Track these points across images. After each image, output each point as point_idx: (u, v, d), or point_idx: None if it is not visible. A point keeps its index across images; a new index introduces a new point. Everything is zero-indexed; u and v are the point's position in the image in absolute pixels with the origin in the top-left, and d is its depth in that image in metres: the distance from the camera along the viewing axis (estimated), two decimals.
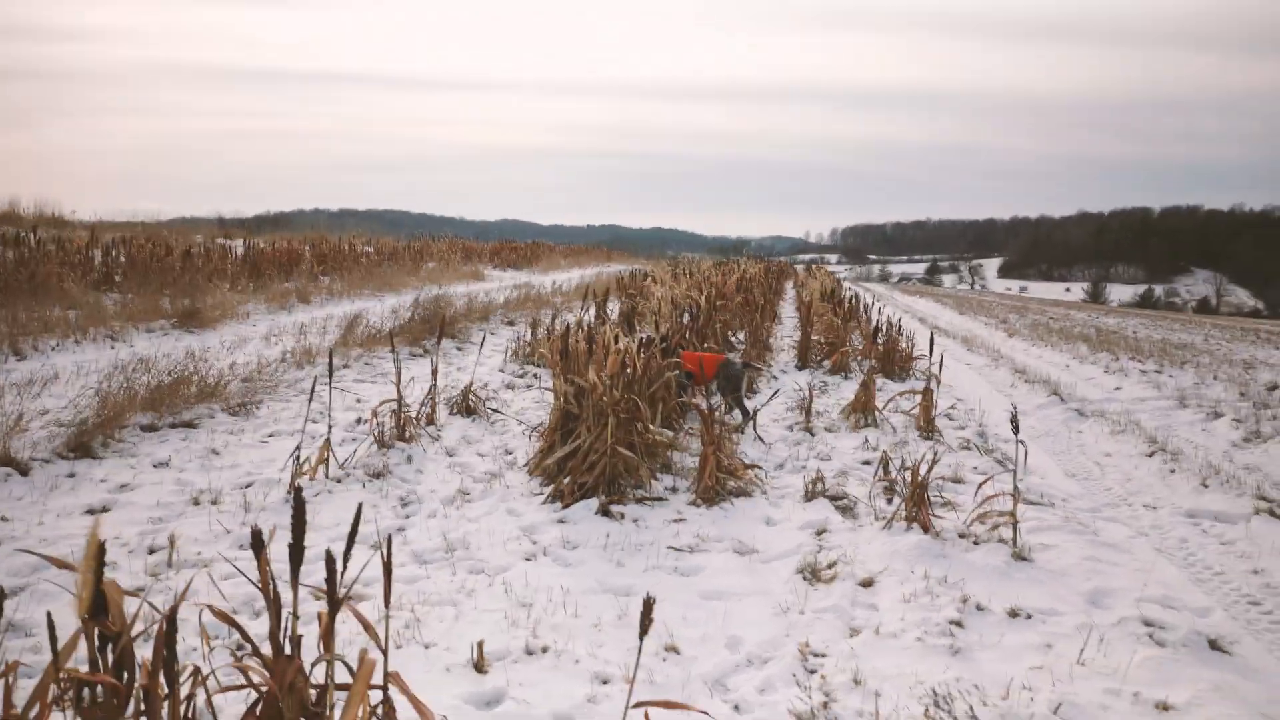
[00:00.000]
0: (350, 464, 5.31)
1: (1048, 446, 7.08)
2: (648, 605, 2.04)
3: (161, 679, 1.84)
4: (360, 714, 2.20)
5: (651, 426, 5.53)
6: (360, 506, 2.34)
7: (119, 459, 5.20)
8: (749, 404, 7.18)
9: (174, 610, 1.86)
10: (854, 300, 14.34)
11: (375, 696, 2.27)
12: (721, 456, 5.13)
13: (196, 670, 2.17)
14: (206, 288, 12.52)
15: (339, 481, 5.05)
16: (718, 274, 14.95)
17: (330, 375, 5.39)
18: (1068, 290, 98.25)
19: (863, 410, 7.21)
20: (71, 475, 4.87)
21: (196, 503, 4.56)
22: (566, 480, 4.85)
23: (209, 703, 2.23)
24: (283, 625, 2.12)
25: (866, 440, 6.50)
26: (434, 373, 6.56)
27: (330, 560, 2.08)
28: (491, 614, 3.45)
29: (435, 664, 3.05)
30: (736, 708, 2.90)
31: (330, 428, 5.36)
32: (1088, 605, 3.77)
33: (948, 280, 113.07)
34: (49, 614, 1.96)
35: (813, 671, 3.12)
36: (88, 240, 13.44)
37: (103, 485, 4.76)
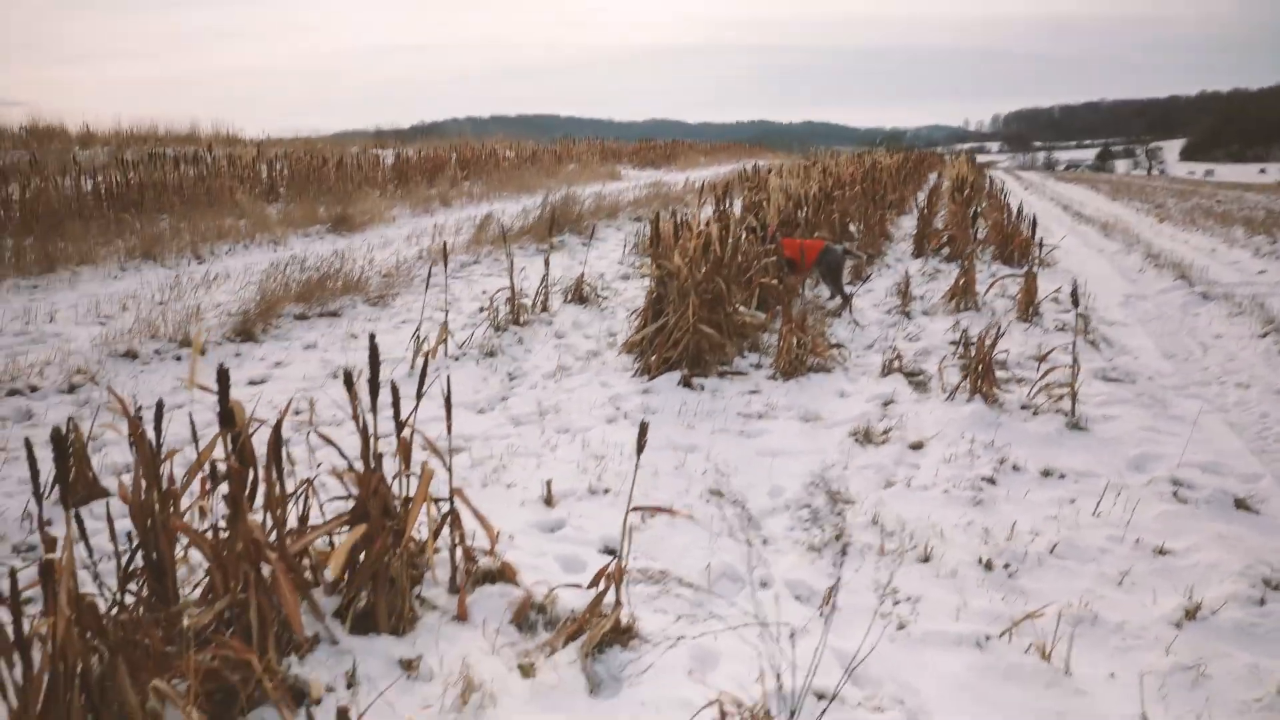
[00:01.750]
0: (468, 345, 5.95)
1: (1156, 329, 6.99)
2: (643, 429, 2.50)
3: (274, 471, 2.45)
4: (429, 517, 2.79)
5: (741, 308, 5.90)
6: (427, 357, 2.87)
7: (275, 342, 6.04)
8: (850, 289, 7.41)
9: (280, 420, 2.46)
10: (988, 188, 13.97)
11: (445, 509, 2.85)
12: (801, 335, 5.46)
13: (307, 480, 2.80)
14: (358, 195, 13.52)
15: (456, 360, 5.71)
16: (848, 166, 14.80)
17: (445, 269, 6.01)
18: (1262, 171, 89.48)
19: (963, 295, 7.30)
20: (238, 355, 5.72)
21: (335, 376, 5.31)
22: (654, 356, 5.32)
23: (320, 508, 2.86)
24: (370, 447, 2.70)
25: (958, 323, 6.63)
26: (546, 263, 7.12)
27: (395, 391, 2.64)
28: (567, 464, 4.00)
29: (513, 499, 3.63)
30: (765, 541, 3.34)
31: (446, 313, 6.02)
32: (1127, 469, 3.97)
33: (1121, 166, 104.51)
34: (190, 417, 2.62)
35: (838, 514, 3.51)
36: (255, 156, 14.66)
37: (262, 363, 5.59)
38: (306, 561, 2.75)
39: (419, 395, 2.84)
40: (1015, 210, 10.55)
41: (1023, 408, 4.71)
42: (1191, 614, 2.78)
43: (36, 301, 7.03)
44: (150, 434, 2.35)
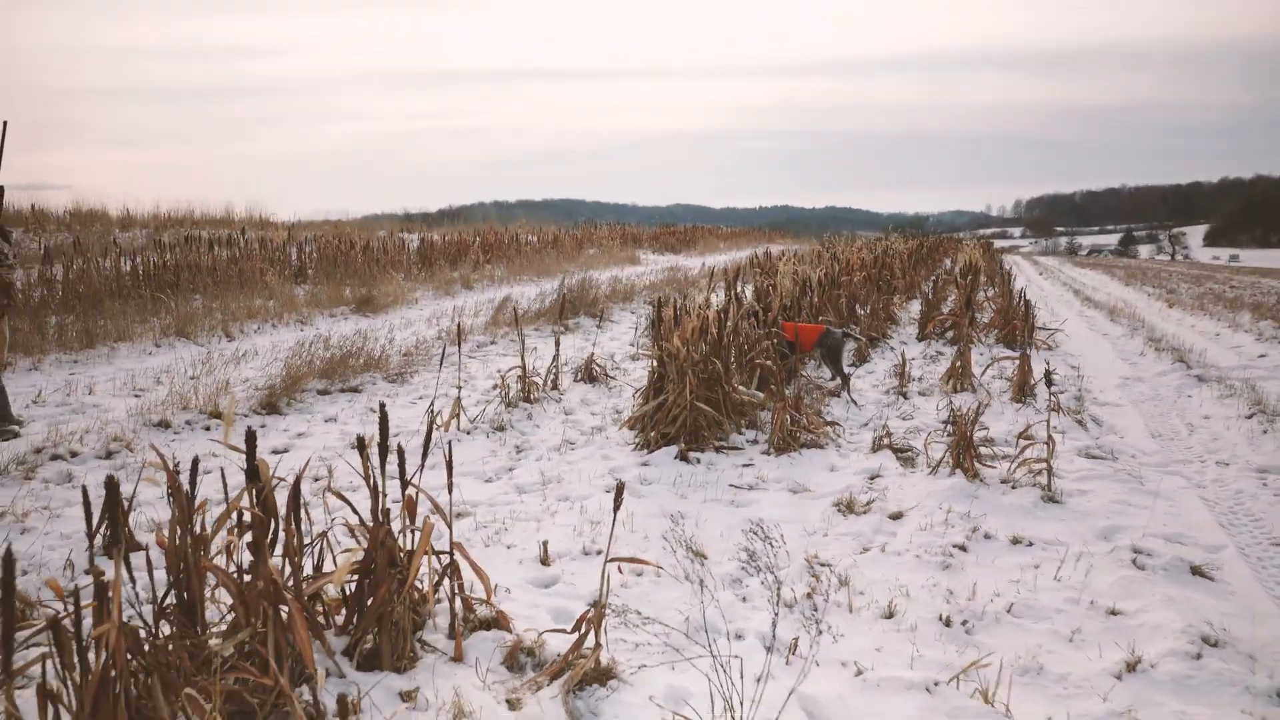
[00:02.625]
0: (480, 420, 6.29)
1: (1148, 410, 7.22)
2: (619, 489, 2.80)
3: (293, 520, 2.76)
4: (429, 569, 3.08)
5: (740, 387, 6.22)
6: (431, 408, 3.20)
7: (298, 415, 6.41)
8: (850, 370, 7.73)
9: (299, 477, 2.78)
10: (1000, 273, 14.34)
11: (446, 561, 3.14)
12: (794, 413, 5.76)
13: (323, 533, 3.11)
14: (382, 277, 14.08)
15: (468, 433, 6.04)
16: (857, 252, 15.26)
17: (460, 349, 6.38)
18: None
19: (959, 376, 7.59)
20: (263, 426, 6.09)
21: (352, 447, 5.64)
22: (653, 432, 5.63)
23: (334, 559, 3.16)
24: (379, 504, 3.01)
25: (951, 403, 6.91)
26: (556, 344, 7.50)
27: (401, 455, 2.96)
28: (565, 528, 4.29)
29: (513, 558, 3.91)
30: (744, 599, 3.60)
31: (459, 390, 6.37)
32: (1095, 538, 4.20)
33: (1145, 251, 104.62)
34: (222, 474, 2.95)
35: (814, 576, 3.76)
36: (285, 239, 15.34)
37: (285, 434, 5.95)
38: (320, 606, 3.04)
39: (423, 460, 3.17)
40: (1017, 295, 10.88)
41: (1002, 482, 4.96)
42: (1132, 667, 3.00)
43: (77, 375, 7.47)
44: (185, 486, 2.68)
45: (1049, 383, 5.01)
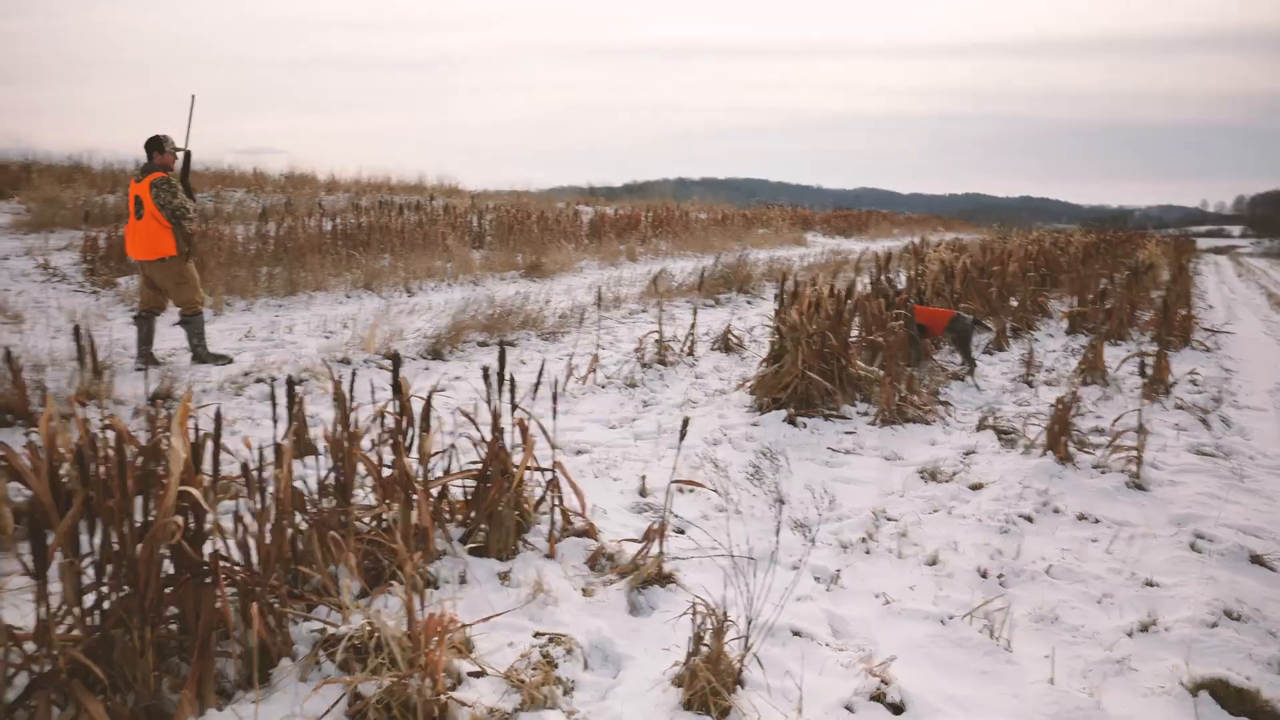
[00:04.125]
0: (616, 376, 6.95)
1: None
2: (684, 422, 3.34)
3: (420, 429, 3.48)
4: (535, 484, 3.73)
5: (859, 362, 6.59)
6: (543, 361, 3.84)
7: (458, 361, 7.28)
8: (980, 356, 7.90)
9: (429, 397, 3.49)
10: (1182, 270, 13.76)
11: (549, 477, 3.79)
12: (901, 388, 6.09)
13: (452, 445, 3.82)
14: (553, 246, 15.05)
15: (602, 387, 6.71)
16: (1025, 244, 14.99)
17: (598, 315, 7.05)
18: None
19: (1090, 369, 7.60)
20: (426, 369, 6.98)
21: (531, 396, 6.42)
22: (766, 397, 6.11)
23: (459, 463, 3.87)
24: (496, 424, 3.69)
25: (1075, 394, 6.98)
26: (694, 314, 8.07)
27: (513, 382, 3.63)
28: (667, 468, 4.86)
29: (616, 489, 4.53)
30: (812, 541, 4.07)
31: (597, 348, 7.05)
32: (1165, 523, 4.37)
33: None
34: (372, 384, 3.71)
35: (877, 527, 4.18)
36: (468, 207, 16.60)
37: (444, 376, 6.81)
38: (445, 504, 3.76)
39: (555, 404, 3.82)
40: (1184, 295, 10.53)
41: (1094, 467, 5.14)
42: (1145, 627, 3.28)
43: (280, 317, 8.69)
44: (346, 393, 3.43)
45: (1142, 373, 5.11)
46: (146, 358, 6.54)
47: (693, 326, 7.96)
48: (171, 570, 2.55)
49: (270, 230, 12.30)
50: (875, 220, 29.66)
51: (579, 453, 5.17)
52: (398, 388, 3.48)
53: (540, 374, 4.32)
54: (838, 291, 6.58)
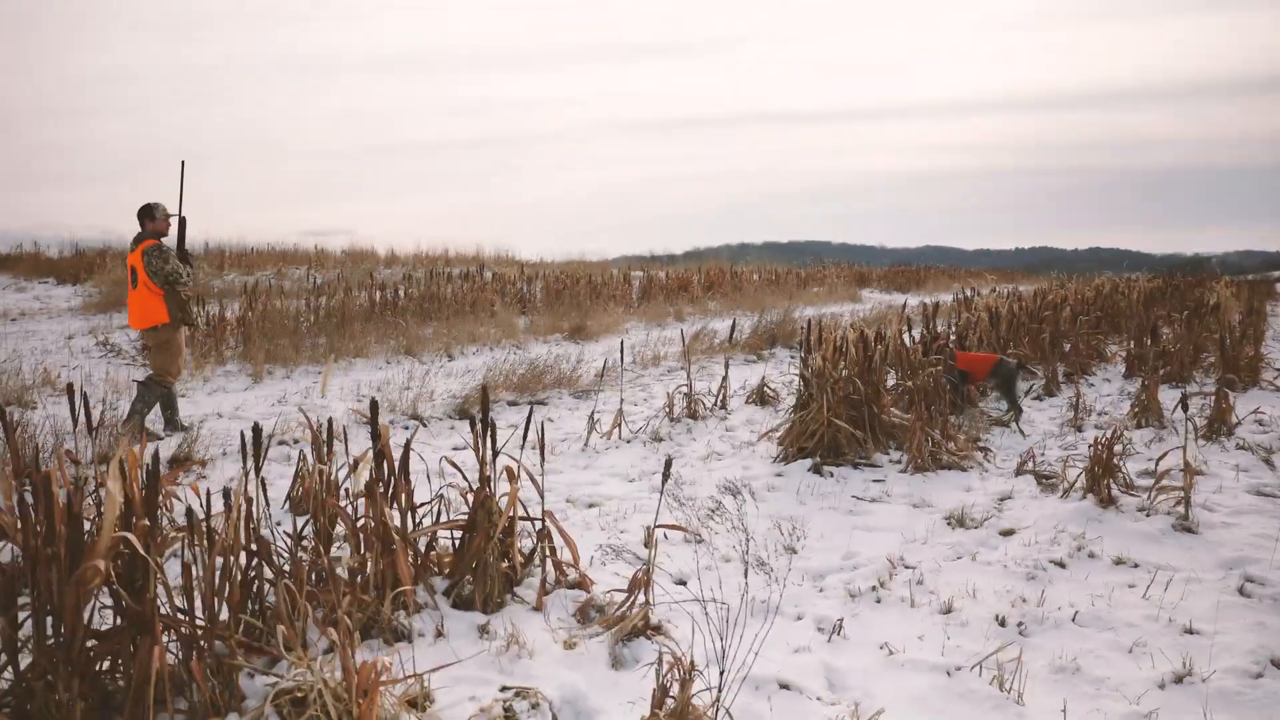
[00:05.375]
0: (643, 431, 6.81)
1: None
2: (667, 463, 3.18)
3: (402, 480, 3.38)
4: (526, 537, 3.59)
5: (893, 410, 6.35)
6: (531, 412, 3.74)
7: None
8: (1026, 402, 7.56)
9: (408, 444, 3.40)
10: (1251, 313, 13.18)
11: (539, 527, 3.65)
12: (933, 434, 5.82)
13: (439, 495, 3.72)
14: (601, 310, 15.08)
15: (628, 442, 6.58)
16: (1077, 290, 14.58)
17: (637, 374, 6.95)
18: None
19: (1144, 411, 7.21)
20: (452, 428, 6.94)
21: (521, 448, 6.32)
22: (792, 446, 5.89)
23: (448, 513, 3.76)
24: (483, 472, 3.57)
25: (1116, 433, 6.61)
26: (725, 367, 7.91)
27: (493, 428, 3.52)
28: (678, 521, 4.68)
29: (624, 537, 4.36)
30: (821, 590, 3.83)
31: (621, 403, 6.93)
32: (1214, 567, 4.02)
33: None
34: (345, 436, 3.63)
35: (891, 575, 3.92)
36: (518, 274, 16.79)
37: (468, 435, 6.74)
38: (433, 555, 3.64)
39: (525, 435, 3.71)
40: (1258, 335, 10.02)
41: (1139, 510, 4.80)
42: (1180, 679, 2.97)
43: (319, 382, 8.76)
44: (324, 440, 3.37)
45: (1184, 407, 4.78)
46: (173, 424, 6.60)
47: (724, 379, 7.81)
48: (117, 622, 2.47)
49: (320, 303, 12.56)
50: (933, 275, 29.20)
51: (590, 505, 5.03)
52: (376, 436, 3.40)
53: (536, 432, 4.21)
54: (867, 336, 6.38)
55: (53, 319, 14.01)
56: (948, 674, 2.99)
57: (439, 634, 3.20)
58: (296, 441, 6.17)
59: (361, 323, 11.64)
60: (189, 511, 2.58)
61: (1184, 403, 4.85)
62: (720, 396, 7.73)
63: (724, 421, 7.35)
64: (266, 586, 3.05)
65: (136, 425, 6.00)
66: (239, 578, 2.71)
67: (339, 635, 2.34)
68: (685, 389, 7.41)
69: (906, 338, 8.13)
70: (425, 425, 6.97)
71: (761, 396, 8.13)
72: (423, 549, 3.62)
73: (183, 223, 6.55)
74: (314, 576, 3.19)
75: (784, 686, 2.88)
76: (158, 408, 6.71)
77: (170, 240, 6.52)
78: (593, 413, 6.47)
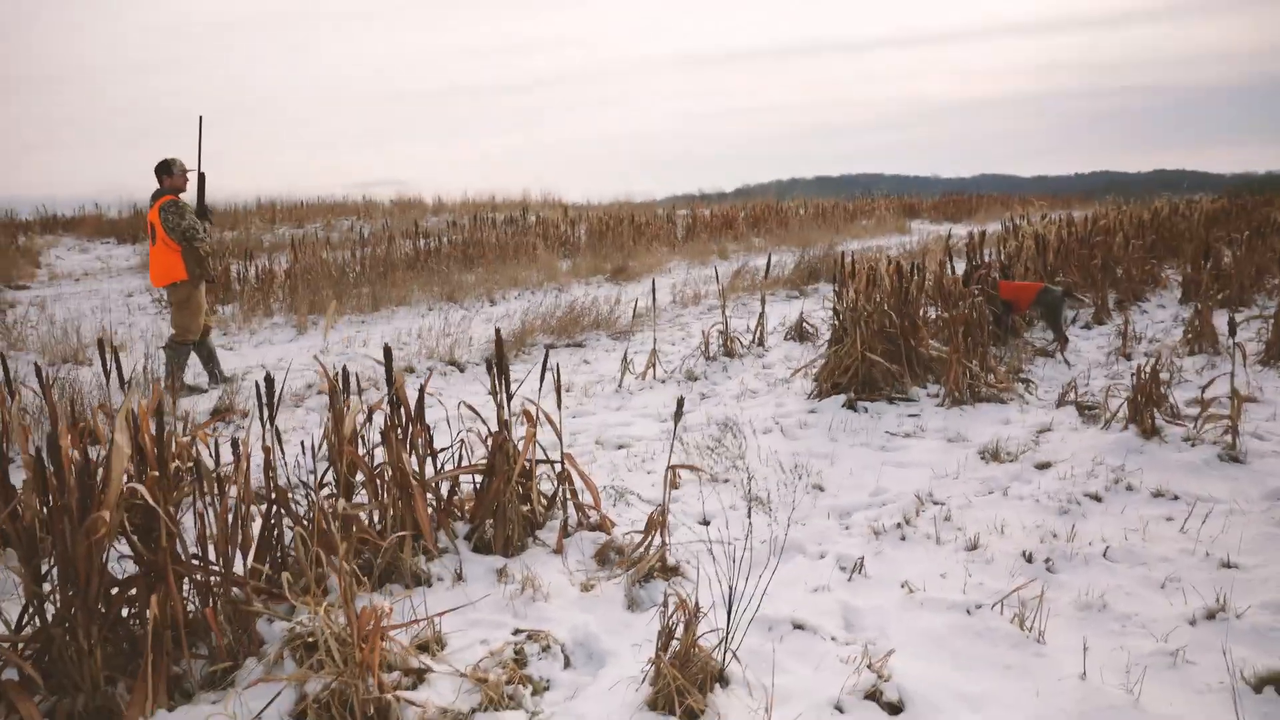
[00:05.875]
0: (678, 371, 6.77)
1: None
2: (679, 403, 3.14)
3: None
4: (546, 477, 3.60)
5: (932, 342, 6.21)
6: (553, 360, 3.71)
7: (521, 364, 7.24)
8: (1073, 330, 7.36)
9: (422, 390, 3.41)
10: None
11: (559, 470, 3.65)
12: (970, 366, 5.68)
13: (461, 439, 3.73)
14: (645, 249, 14.96)
15: (662, 382, 6.55)
16: (1133, 214, 14.05)
17: (675, 313, 6.88)
18: None
19: (1198, 337, 6.94)
20: (488, 372, 6.95)
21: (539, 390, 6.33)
22: (826, 382, 5.81)
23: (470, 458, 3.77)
24: (501, 416, 3.57)
25: (1160, 359, 6.38)
26: (762, 302, 7.81)
27: (507, 373, 3.50)
28: (704, 460, 4.65)
29: (648, 481, 4.35)
30: (847, 528, 3.79)
31: (655, 343, 6.89)
32: (1259, 498, 3.86)
33: None
34: (421, 389, 3.65)
35: (918, 512, 3.85)
36: (562, 217, 16.71)
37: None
38: (455, 500, 3.67)
39: (542, 379, 3.70)
40: None
41: (1184, 439, 4.63)
42: (1212, 615, 2.88)
43: (361, 331, 8.87)
44: (340, 390, 3.39)
45: (1231, 332, 4.57)
46: (215, 376, 6.70)
47: (761, 315, 7.70)
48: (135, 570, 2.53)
49: (365, 253, 12.65)
50: (985, 204, 28.34)
51: (620, 447, 5.02)
52: (390, 382, 3.41)
53: (566, 374, 4.18)
54: (902, 267, 6.22)
55: (114, 278, 14.35)
56: (967, 612, 2.93)
57: (458, 578, 3.23)
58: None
59: (405, 270, 11.71)
60: (197, 462, 2.61)
61: (1232, 326, 4.64)
62: (758, 333, 7.63)
63: (761, 359, 7.27)
64: (289, 535, 3.10)
65: (175, 382, 6.10)
66: (249, 526, 2.75)
67: (339, 581, 2.37)
68: (720, 327, 7.33)
69: (949, 268, 7.93)
70: (462, 370, 7.01)
71: (800, 332, 8.02)
72: (445, 494, 3.66)
73: (201, 178, 6.52)
74: (337, 523, 3.23)
75: (798, 626, 2.85)
76: (198, 362, 6.83)
77: (190, 196, 6.53)
78: (625, 353, 6.43)
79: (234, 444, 2.78)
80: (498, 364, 3.59)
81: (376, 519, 3.31)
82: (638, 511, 3.90)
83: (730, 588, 2.53)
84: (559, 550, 3.48)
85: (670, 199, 29.85)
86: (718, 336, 7.30)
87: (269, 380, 3.15)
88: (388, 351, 3.48)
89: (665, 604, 2.51)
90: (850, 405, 5.55)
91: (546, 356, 4.02)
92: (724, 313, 7.30)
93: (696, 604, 2.45)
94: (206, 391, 6.49)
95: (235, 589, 2.70)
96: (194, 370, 6.98)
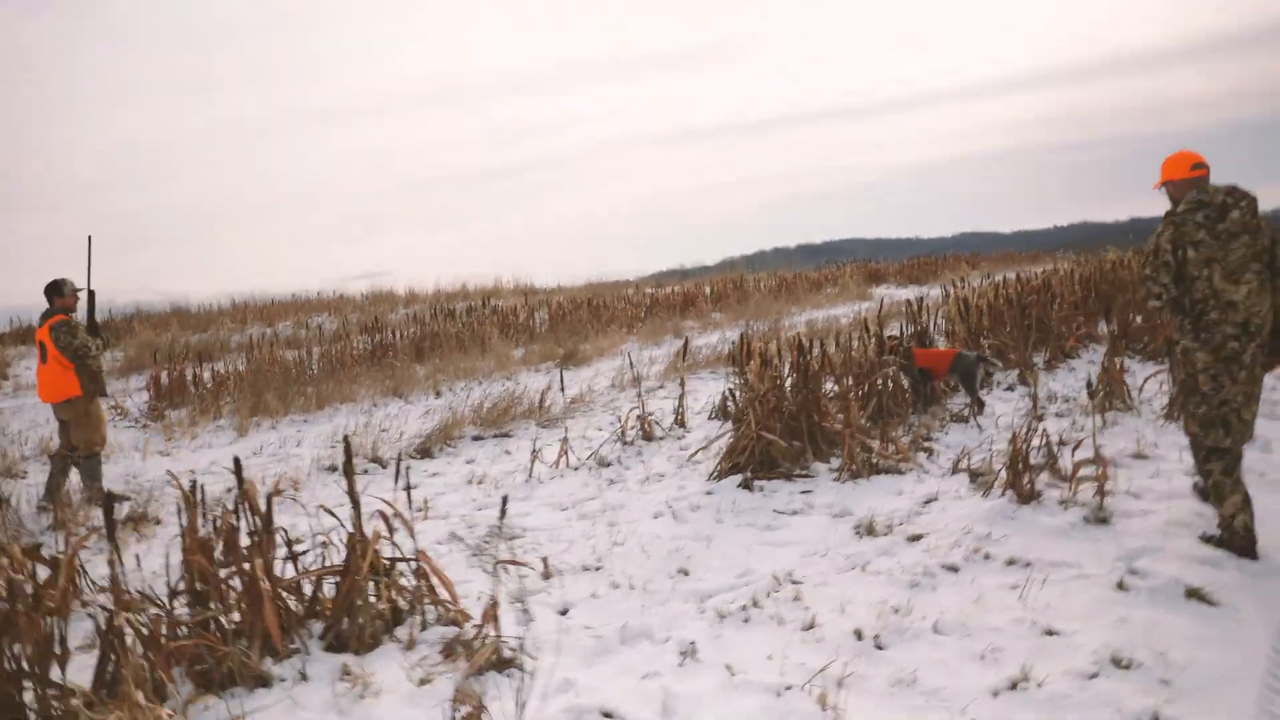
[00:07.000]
0: (591, 458, 6.87)
1: None
2: (504, 501, 3.26)
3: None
4: (401, 580, 3.69)
5: (837, 417, 6.34)
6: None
7: (445, 458, 7.35)
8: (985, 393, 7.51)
9: (271, 495, 3.52)
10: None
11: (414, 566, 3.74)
12: (864, 440, 5.81)
13: (325, 542, 3.83)
14: (599, 332, 15.18)
15: (575, 469, 6.65)
16: (1074, 268, 14.34)
17: (610, 398, 7.02)
18: None
19: (1107, 394, 7.08)
20: (408, 467, 7.02)
21: (469, 482, 6.44)
22: (725, 463, 5.92)
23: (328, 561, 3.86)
24: (358, 518, 3.68)
25: (1032, 426, 6.51)
26: (681, 384, 7.95)
27: (352, 475, 3.62)
28: (587, 549, 4.73)
29: (528, 572, 4.43)
30: (702, 612, 3.85)
31: (566, 433, 7.01)
32: (1112, 560, 3.94)
33: None
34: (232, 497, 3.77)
35: (773, 592, 3.93)
36: (520, 304, 16.99)
37: (424, 473, 6.87)
38: (318, 601, 3.75)
39: (395, 480, 3.81)
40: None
41: (1060, 503, 4.73)
42: (1015, 684, 2.96)
43: (301, 432, 8.99)
44: (196, 502, 3.50)
45: (1090, 393, 4.72)
46: (52, 494, 6.49)
47: (681, 397, 7.85)
48: None
49: (318, 352, 12.85)
50: (951, 264, 28.79)
51: (512, 539, 5.10)
52: (242, 489, 3.52)
53: (483, 467, 4.29)
54: (803, 345, 6.38)
55: None
56: (777, 694, 3.00)
57: (302, 677, 3.30)
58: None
59: (363, 366, 11.89)
60: (9, 582, 2.71)
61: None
62: (679, 414, 7.76)
63: (680, 440, 7.38)
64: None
65: (97, 494, 6.16)
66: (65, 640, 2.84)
67: (136, 697, 2.45)
68: (639, 412, 7.46)
69: (865, 341, 8.13)
70: (384, 467, 7.11)
71: (725, 411, 8.13)
72: (310, 594, 3.74)
73: (91, 296, 6.69)
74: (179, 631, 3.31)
75: (606, 715, 2.92)
76: (77, 476, 6.81)
77: (81, 314, 6.70)
78: (534, 444, 6.55)
79: (53, 563, 2.88)
80: (346, 470, 3.71)
81: (226, 623, 3.39)
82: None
83: (523, 696, 2.61)
84: (410, 645, 3.55)
85: (655, 275, 30.19)
86: (636, 421, 7.42)
87: (109, 501, 3.26)
88: (237, 463, 3.60)
89: (455, 703, 2.58)
90: (746, 485, 5.65)
91: (399, 467, 4.12)
92: (639, 396, 7.45)
93: (480, 700, 2.53)
94: (131, 500, 6.56)
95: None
96: (126, 476, 7.08)
